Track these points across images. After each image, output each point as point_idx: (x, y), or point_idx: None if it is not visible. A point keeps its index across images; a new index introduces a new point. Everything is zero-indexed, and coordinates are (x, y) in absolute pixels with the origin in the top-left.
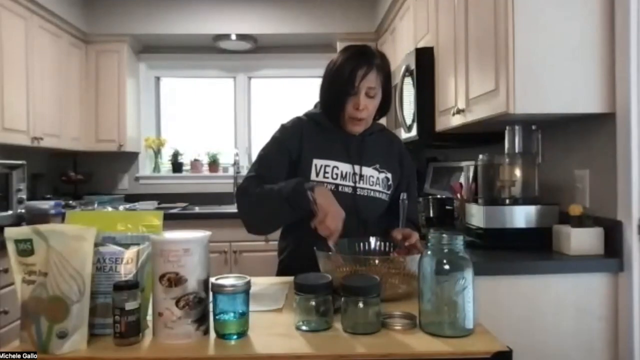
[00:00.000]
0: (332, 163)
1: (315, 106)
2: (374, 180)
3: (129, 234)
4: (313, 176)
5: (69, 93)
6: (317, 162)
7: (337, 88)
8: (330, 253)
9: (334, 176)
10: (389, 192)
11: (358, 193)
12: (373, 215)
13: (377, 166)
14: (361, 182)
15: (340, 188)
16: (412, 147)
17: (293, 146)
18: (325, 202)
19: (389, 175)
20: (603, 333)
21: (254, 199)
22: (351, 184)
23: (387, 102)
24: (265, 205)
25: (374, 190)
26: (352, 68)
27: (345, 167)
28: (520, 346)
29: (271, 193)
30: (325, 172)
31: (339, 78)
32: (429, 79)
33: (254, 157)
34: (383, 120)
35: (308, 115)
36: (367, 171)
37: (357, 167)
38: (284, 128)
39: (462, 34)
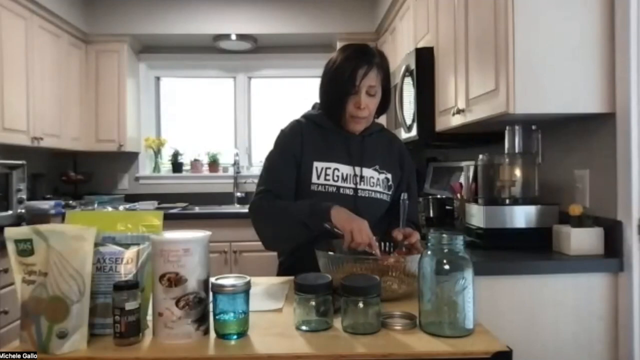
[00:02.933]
0: (332, 165)
1: (314, 107)
2: (374, 181)
3: (129, 234)
4: (314, 179)
5: (69, 93)
6: (318, 165)
7: (337, 88)
8: (377, 258)
9: (335, 178)
10: (389, 192)
11: (359, 195)
12: (374, 217)
13: (377, 167)
14: (362, 183)
15: (341, 190)
16: (412, 147)
17: (296, 149)
18: (344, 222)
19: (389, 176)
20: (603, 333)
21: (270, 221)
22: (352, 185)
23: (387, 100)
24: (283, 229)
25: (375, 192)
26: (352, 67)
27: (345, 169)
28: (520, 346)
29: (288, 217)
30: (326, 175)
31: (339, 77)
32: (429, 79)
33: (254, 157)
34: (383, 120)
35: (306, 117)
36: (368, 172)
37: (357, 169)
38: (283, 134)
39: (462, 34)
